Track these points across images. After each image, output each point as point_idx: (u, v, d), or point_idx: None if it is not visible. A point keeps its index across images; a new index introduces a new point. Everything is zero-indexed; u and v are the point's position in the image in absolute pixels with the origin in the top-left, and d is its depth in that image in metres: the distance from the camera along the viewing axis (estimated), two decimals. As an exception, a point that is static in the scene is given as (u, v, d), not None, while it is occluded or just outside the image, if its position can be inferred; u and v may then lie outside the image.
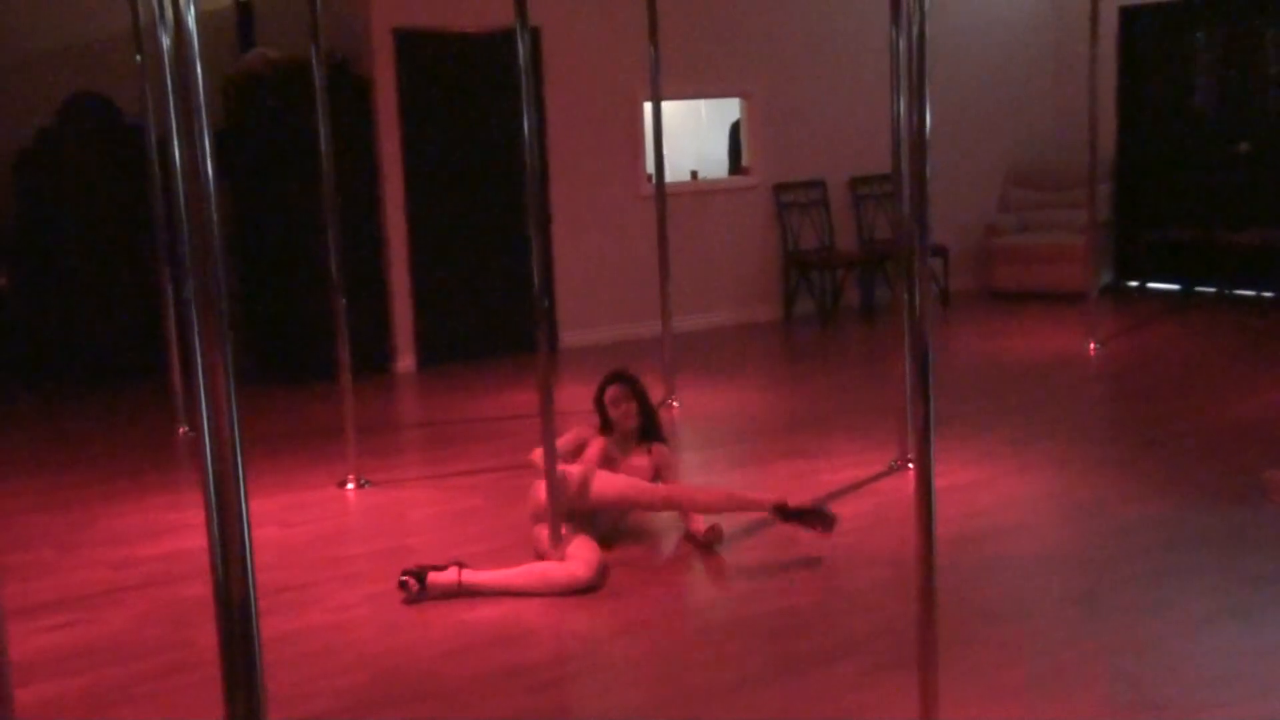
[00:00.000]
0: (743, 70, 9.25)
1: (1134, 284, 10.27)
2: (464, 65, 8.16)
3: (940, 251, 9.53)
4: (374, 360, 7.86)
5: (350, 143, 7.50)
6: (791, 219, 9.50)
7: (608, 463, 4.56)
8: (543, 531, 4.27)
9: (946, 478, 4.96)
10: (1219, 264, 9.62)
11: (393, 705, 3.37)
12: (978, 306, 9.79)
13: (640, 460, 4.68)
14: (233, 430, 1.85)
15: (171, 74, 1.83)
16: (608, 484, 4.41)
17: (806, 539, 4.36)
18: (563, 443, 4.44)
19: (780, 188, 9.47)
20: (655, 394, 6.64)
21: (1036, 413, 6.39)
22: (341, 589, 4.22)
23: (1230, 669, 3.35)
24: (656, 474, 4.71)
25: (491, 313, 8.34)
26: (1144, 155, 10.25)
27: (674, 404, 6.75)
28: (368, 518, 5.11)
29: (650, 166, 7.63)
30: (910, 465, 5.14)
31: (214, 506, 1.86)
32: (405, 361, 8.15)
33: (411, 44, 7.98)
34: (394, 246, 8.06)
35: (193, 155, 1.82)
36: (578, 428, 4.73)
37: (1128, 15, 10.14)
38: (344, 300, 5.45)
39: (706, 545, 4.46)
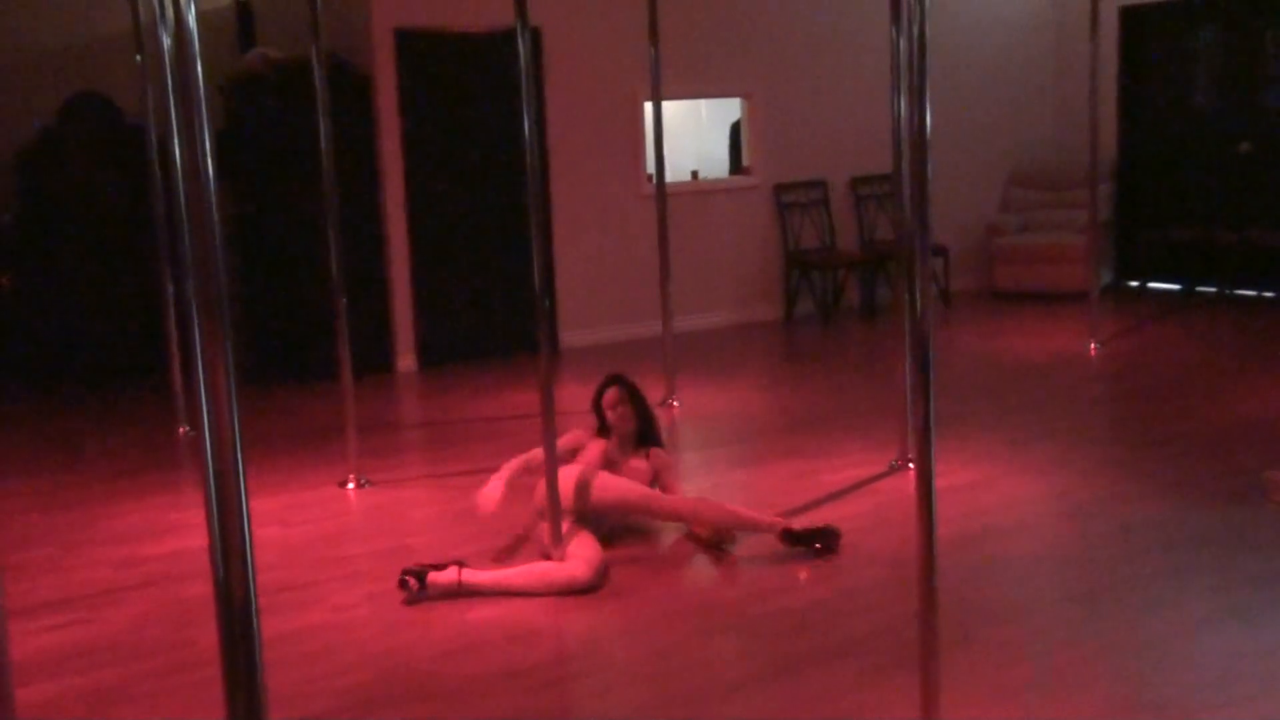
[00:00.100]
0: (743, 70, 9.25)
1: (1135, 284, 10.27)
2: (464, 65, 8.16)
3: (941, 251, 9.53)
4: (375, 360, 7.86)
5: (351, 143, 7.50)
6: (792, 219, 9.51)
7: (607, 465, 4.57)
8: (545, 530, 4.27)
9: (947, 478, 4.96)
10: (1220, 264, 9.62)
11: (393, 705, 3.37)
12: (978, 306, 9.79)
13: (638, 464, 4.69)
14: (233, 430, 1.85)
15: (172, 74, 1.84)
16: (610, 487, 4.41)
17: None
18: (560, 444, 4.44)
19: (781, 188, 9.47)
20: (656, 394, 6.68)
21: (1037, 413, 6.39)
22: (342, 589, 4.22)
23: (1230, 669, 3.35)
24: (654, 478, 4.71)
25: (492, 313, 8.35)
26: (1145, 155, 10.25)
27: (675, 404, 6.75)
28: (368, 517, 5.11)
29: (651, 166, 7.63)
30: (911, 465, 5.14)
31: (215, 506, 1.86)
32: (406, 361, 8.15)
33: (412, 44, 7.98)
34: (395, 246, 8.06)
35: (193, 155, 1.82)
36: (576, 430, 4.74)
37: (1128, 15, 10.14)
38: (345, 300, 5.45)
39: (716, 545, 4.46)
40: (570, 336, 8.66)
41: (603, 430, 4.74)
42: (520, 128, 4.20)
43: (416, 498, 5.34)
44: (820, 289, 9.41)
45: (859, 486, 5.15)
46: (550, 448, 4.19)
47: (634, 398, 4.73)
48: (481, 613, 3.94)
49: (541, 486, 4.29)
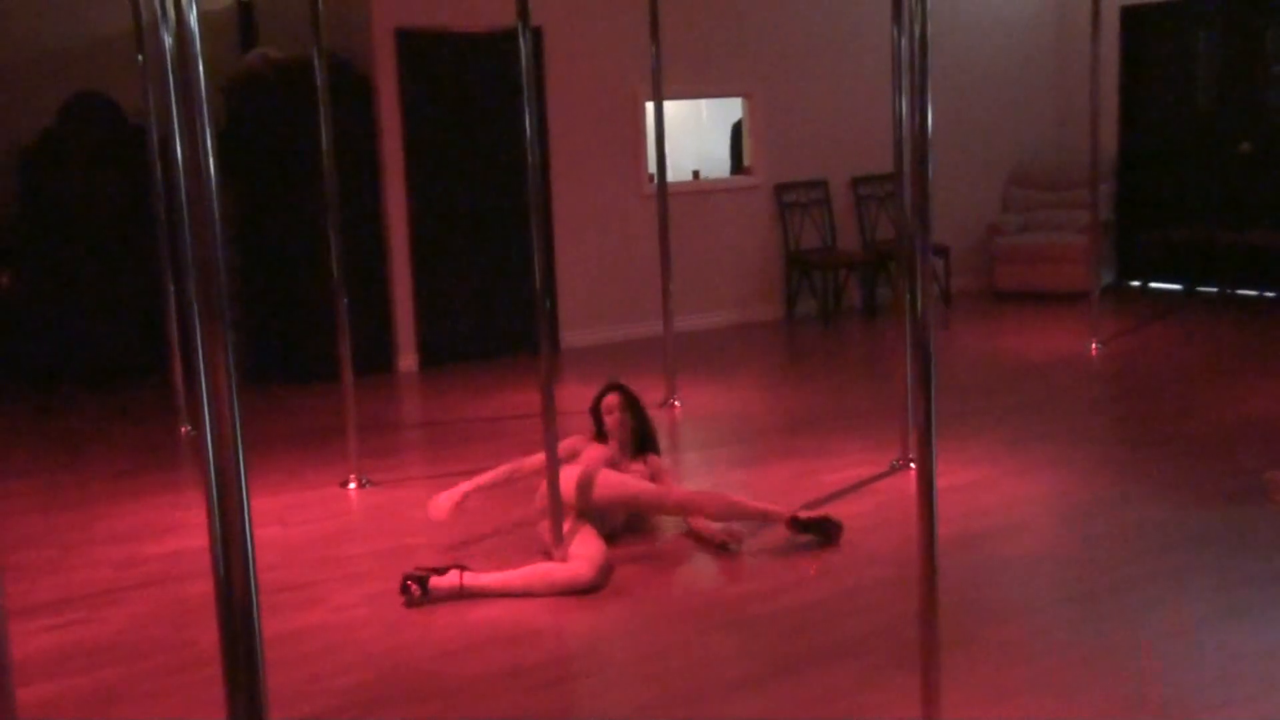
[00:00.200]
0: (744, 70, 9.25)
1: (1136, 284, 10.27)
2: (466, 65, 8.16)
3: (942, 251, 9.53)
4: (376, 360, 7.86)
5: (352, 142, 7.50)
6: (793, 219, 9.50)
7: (608, 467, 4.58)
8: (547, 528, 4.28)
9: (948, 478, 4.95)
10: (1220, 264, 9.62)
11: (394, 705, 3.37)
12: (979, 306, 9.79)
13: (637, 468, 4.73)
14: (234, 429, 1.85)
15: (173, 73, 1.84)
16: (615, 483, 4.43)
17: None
18: (559, 449, 4.46)
19: (782, 187, 9.47)
20: (657, 394, 6.70)
21: (1037, 413, 6.39)
22: (343, 588, 4.22)
23: (1230, 669, 3.35)
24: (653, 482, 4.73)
25: (493, 313, 8.35)
26: (1145, 155, 10.25)
27: (675, 404, 6.75)
28: (369, 517, 5.11)
29: (652, 166, 7.63)
30: (912, 465, 5.14)
31: (216, 506, 1.86)
32: (407, 361, 8.15)
33: (413, 44, 7.99)
34: (395, 246, 8.06)
35: (194, 155, 1.82)
36: (574, 437, 4.78)
37: (1129, 15, 10.13)
38: (346, 300, 5.45)
39: (722, 546, 4.46)
40: (571, 336, 8.66)
41: (600, 436, 4.80)
42: (521, 128, 4.21)
43: (417, 498, 5.32)
44: (821, 289, 9.41)
45: (860, 486, 5.15)
46: (551, 448, 4.19)
47: (632, 404, 4.80)
48: (482, 613, 3.94)
49: (543, 486, 4.30)
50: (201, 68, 1.81)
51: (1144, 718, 3.12)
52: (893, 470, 5.32)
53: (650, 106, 7.26)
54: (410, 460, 6.15)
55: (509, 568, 4.17)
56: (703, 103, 10.69)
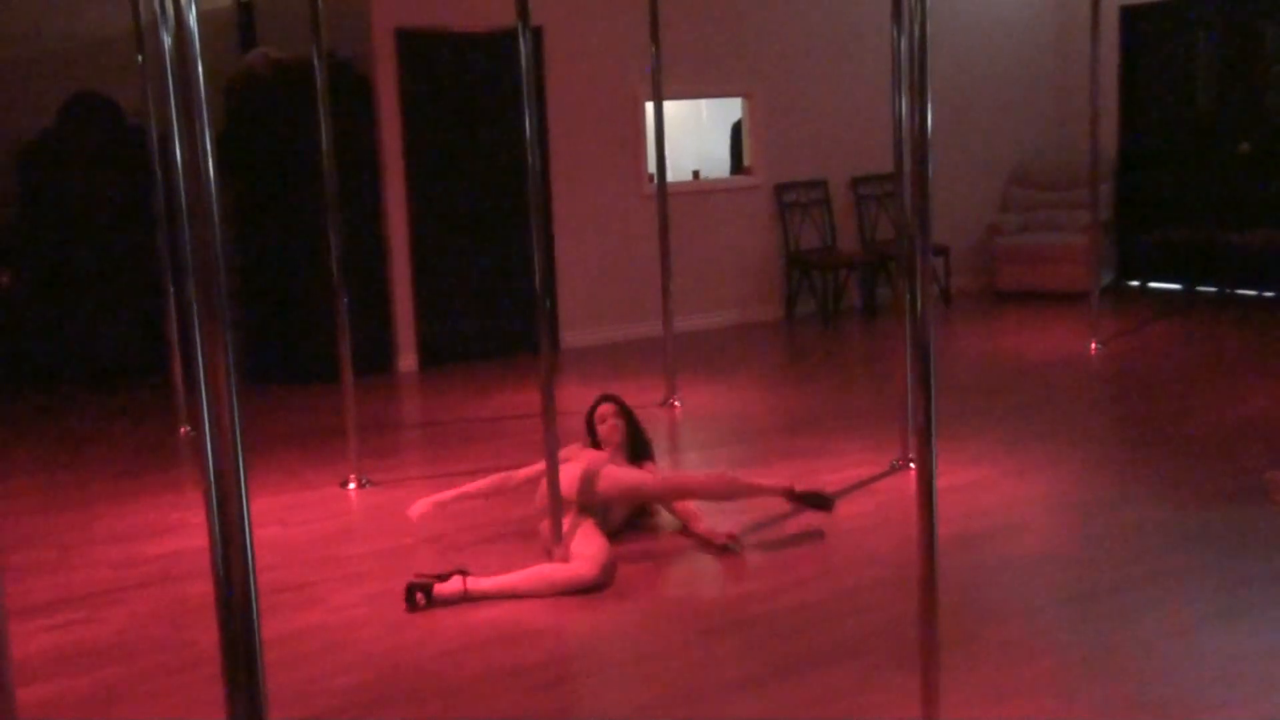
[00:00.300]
0: (744, 70, 9.25)
1: (1135, 284, 10.27)
2: (466, 65, 8.16)
3: (942, 251, 9.54)
4: (376, 360, 7.86)
5: (351, 142, 7.49)
6: (793, 219, 9.50)
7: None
8: (548, 527, 4.28)
9: (948, 478, 4.95)
10: (1220, 264, 9.62)
11: (394, 705, 3.37)
12: (979, 306, 9.79)
13: None
14: (234, 430, 1.85)
15: (173, 73, 1.84)
16: (618, 475, 4.48)
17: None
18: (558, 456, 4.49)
19: (782, 187, 9.47)
20: (657, 394, 6.70)
21: (1038, 413, 6.39)
22: (343, 589, 4.22)
23: (1230, 669, 3.34)
24: None
25: (493, 313, 8.35)
26: (1145, 155, 10.25)
27: (676, 404, 6.75)
28: (369, 517, 5.11)
29: (652, 166, 7.63)
30: (911, 465, 5.15)
31: (215, 506, 1.86)
32: (407, 361, 8.15)
33: (413, 44, 7.99)
34: (395, 246, 8.06)
35: (194, 155, 1.82)
36: (570, 445, 4.81)
37: (1129, 15, 10.14)
38: (346, 300, 5.45)
39: (723, 549, 4.47)
40: (571, 336, 8.66)
41: (594, 445, 4.84)
42: (521, 127, 4.21)
43: (417, 498, 5.32)
44: (821, 289, 9.41)
45: (860, 486, 5.15)
46: (551, 448, 4.20)
47: (625, 412, 4.86)
48: (482, 613, 3.94)
49: (544, 485, 4.30)
50: (201, 68, 1.81)
51: (1144, 718, 3.12)
52: (893, 470, 5.32)
53: (650, 106, 7.26)
54: (410, 460, 6.15)
55: (511, 569, 4.17)
56: (703, 103, 10.69)
